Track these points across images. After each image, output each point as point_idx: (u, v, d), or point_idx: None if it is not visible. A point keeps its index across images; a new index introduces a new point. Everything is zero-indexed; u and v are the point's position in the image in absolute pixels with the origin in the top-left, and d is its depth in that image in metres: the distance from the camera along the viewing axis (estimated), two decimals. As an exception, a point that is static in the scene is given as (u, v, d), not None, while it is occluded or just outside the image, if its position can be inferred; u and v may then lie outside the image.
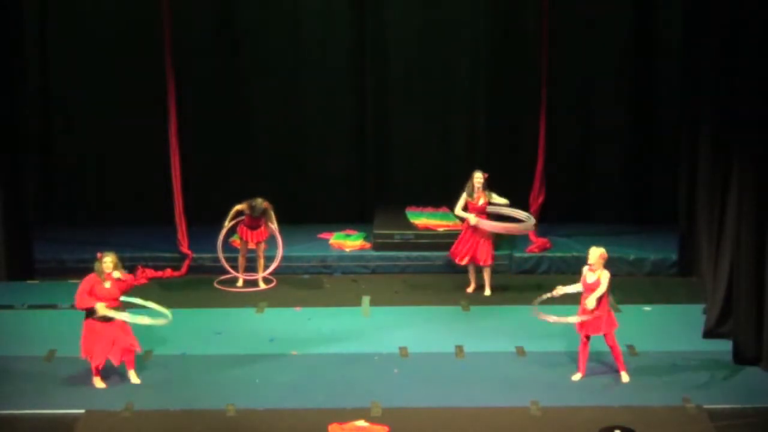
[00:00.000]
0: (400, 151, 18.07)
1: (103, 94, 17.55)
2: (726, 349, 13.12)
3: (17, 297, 15.25)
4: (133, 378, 12.49)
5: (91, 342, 12.29)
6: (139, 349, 12.56)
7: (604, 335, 12.45)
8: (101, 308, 12.11)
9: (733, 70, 13.00)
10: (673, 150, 16.46)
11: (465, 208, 15.17)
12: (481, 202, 15.11)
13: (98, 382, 12.38)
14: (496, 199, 15.15)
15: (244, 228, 15.53)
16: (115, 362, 12.38)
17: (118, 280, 12.32)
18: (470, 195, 15.08)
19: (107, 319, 12.24)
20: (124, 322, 12.33)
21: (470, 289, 15.44)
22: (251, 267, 15.80)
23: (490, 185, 15.14)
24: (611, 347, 12.51)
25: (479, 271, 15.44)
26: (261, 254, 15.71)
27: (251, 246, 15.62)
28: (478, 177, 15.05)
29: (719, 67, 13.50)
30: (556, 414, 11.77)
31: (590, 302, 12.24)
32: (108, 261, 12.29)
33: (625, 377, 12.51)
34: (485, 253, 15.24)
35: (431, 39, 17.68)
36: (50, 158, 17.71)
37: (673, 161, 16.37)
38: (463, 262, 15.35)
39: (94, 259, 12.38)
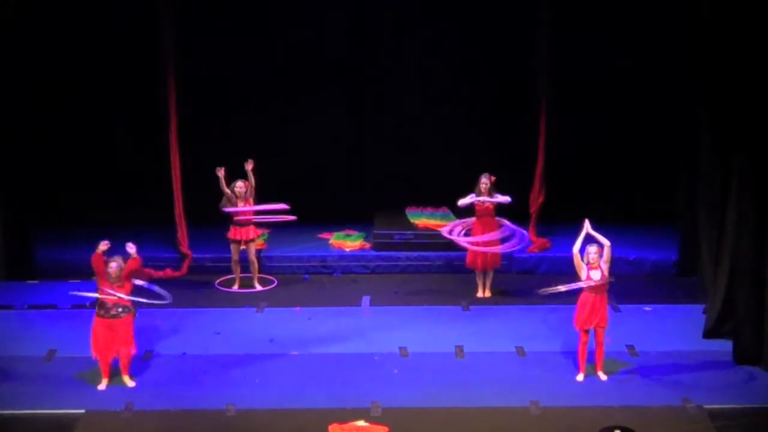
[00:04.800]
0: (400, 152, 18.06)
1: (104, 94, 17.55)
2: (726, 349, 13.13)
3: (17, 297, 15.25)
4: (128, 381, 12.50)
5: (98, 341, 12.32)
6: (134, 351, 12.55)
7: (595, 330, 12.47)
8: None
9: (733, 69, 13.00)
10: (672, 150, 16.45)
11: (471, 208, 15.19)
12: (487, 203, 15.11)
13: (104, 382, 12.39)
14: (499, 197, 15.14)
15: (234, 228, 15.52)
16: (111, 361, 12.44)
17: (120, 287, 12.33)
18: (478, 197, 15.08)
19: (113, 317, 12.26)
20: (129, 326, 12.34)
21: (480, 294, 15.43)
22: (246, 267, 15.81)
23: (495, 186, 15.15)
24: (598, 344, 12.54)
25: (486, 275, 15.44)
26: (253, 258, 15.70)
27: (243, 247, 15.60)
28: (485, 181, 15.06)
29: (720, 66, 13.49)
30: (556, 414, 11.77)
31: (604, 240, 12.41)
32: (114, 270, 12.27)
33: (602, 376, 12.55)
34: (496, 258, 15.29)
35: (431, 39, 17.68)
36: (50, 158, 17.70)
37: (673, 161, 16.37)
38: (480, 271, 15.35)
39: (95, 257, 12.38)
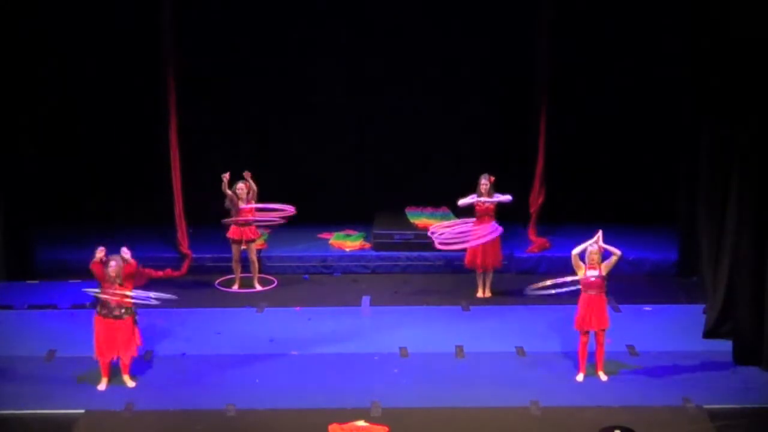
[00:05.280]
0: (400, 151, 18.05)
1: (103, 94, 17.55)
2: (726, 349, 13.12)
3: (17, 297, 15.25)
4: (128, 381, 12.51)
5: (101, 341, 12.33)
6: (135, 354, 12.57)
7: (596, 332, 12.49)
8: None
9: (733, 68, 13.01)
10: (673, 150, 16.45)
11: (472, 208, 15.20)
12: (487, 204, 15.11)
13: (104, 382, 12.39)
14: (499, 197, 15.14)
15: (235, 228, 15.53)
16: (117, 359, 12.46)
17: (121, 285, 12.33)
18: (479, 197, 15.10)
19: (116, 317, 12.27)
20: (133, 325, 12.35)
21: (480, 294, 15.44)
22: (246, 267, 15.82)
23: (495, 186, 15.16)
24: (599, 344, 12.55)
25: (486, 275, 15.45)
26: (254, 257, 15.71)
27: (243, 246, 15.61)
28: (484, 182, 15.07)
29: (720, 66, 13.50)
30: (556, 414, 11.78)
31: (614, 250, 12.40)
32: (113, 269, 12.28)
33: (602, 376, 12.56)
34: (496, 258, 15.30)
35: (430, 39, 17.68)
36: (50, 158, 17.68)
37: (673, 161, 16.37)
38: (480, 271, 15.36)
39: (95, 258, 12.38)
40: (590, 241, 12.51)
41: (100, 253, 12.32)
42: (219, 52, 17.63)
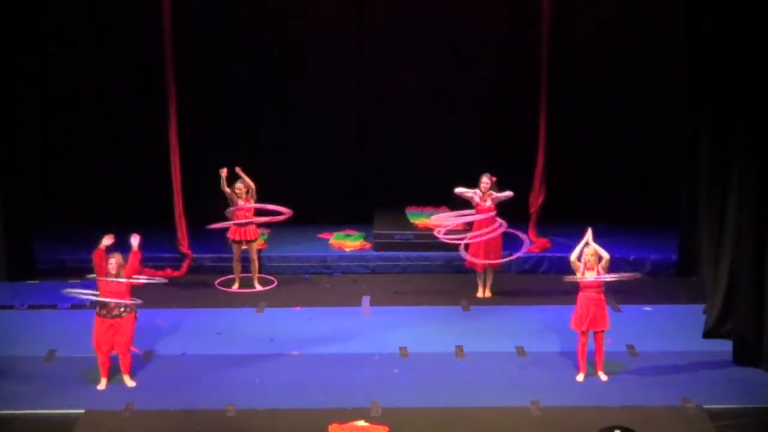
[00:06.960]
0: (400, 151, 18.06)
1: (103, 94, 17.55)
2: (726, 349, 13.12)
3: (17, 297, 15.25)
4: (128, 381, 12.51)
5: (99, 341, 12.34)
6: (136, 349, 12.56)
7: (595, 333, 12.48)
8: None
9: (734, 69, 13.00)
10: (673, 150, 16.46)
11: (471, 206, 15.19)
12: (488, 204, 15.09)
13: (103, 382, 12.39)
14: (499, 195, 15.13)
15: (235, 228, 15.54)
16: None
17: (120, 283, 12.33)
18: (481, 196, 15.09)
19: (115, 317, 12.26)
20: (130, 324, 12.34)
21: (480, 294, 15.43)
22: (246, 267, 15.83)
23: (497, 185, 15.16)
24: (598, 345, 12.54)
25: (486, 275, 15.44)
26: (254, 256, 15.72)
27: (244, 246, 15.62)
28: (485, 182, 15.06)
29: (720, 66, 13.50)
30: (556, 414, 11.78)
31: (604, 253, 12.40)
32: (113, 266, 12.28)
33: (602, 376, 12.56)
34: (496, 257, 15.29)
35: (430, 39, 17.68)
36: (51, 158, 17.69)
37: (673, 161, 16.36)
38: (482, 270, 15.35)
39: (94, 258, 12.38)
40: (582, 242, 12.52)
41: (107, 240, 12.31)
42: (219, 51, 17.63)
